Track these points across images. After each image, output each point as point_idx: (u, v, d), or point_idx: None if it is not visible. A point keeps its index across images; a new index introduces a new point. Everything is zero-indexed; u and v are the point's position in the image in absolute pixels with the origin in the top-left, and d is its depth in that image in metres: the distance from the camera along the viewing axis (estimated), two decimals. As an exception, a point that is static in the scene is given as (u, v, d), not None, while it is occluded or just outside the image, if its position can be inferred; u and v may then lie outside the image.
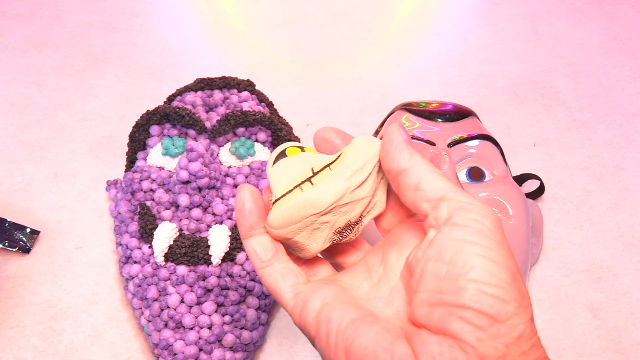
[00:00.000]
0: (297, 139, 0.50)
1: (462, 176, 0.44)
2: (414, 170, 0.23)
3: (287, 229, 0.25)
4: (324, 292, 0.25)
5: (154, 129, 0.47)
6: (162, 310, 0.39)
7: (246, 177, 0.45)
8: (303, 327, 0.25)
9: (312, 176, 0.25)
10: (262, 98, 0.51)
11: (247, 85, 0.51)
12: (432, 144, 0.44)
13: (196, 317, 0.38)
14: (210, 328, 0.38)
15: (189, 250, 0.39)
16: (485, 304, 0.20)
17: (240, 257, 0.40)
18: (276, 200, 0.25)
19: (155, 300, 0.39)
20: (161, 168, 0.45)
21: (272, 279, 0.26)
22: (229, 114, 0.46)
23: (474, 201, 0.22)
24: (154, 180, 0.44)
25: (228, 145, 0.46)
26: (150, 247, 0.41)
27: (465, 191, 0.24)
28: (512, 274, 0.21)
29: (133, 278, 0.41)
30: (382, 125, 0.49)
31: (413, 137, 0.45)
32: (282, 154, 0.27)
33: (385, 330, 0.22)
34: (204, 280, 0.39)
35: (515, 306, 0.20)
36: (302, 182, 0.25)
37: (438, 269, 0.21)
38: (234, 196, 0.43)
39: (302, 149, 0.27)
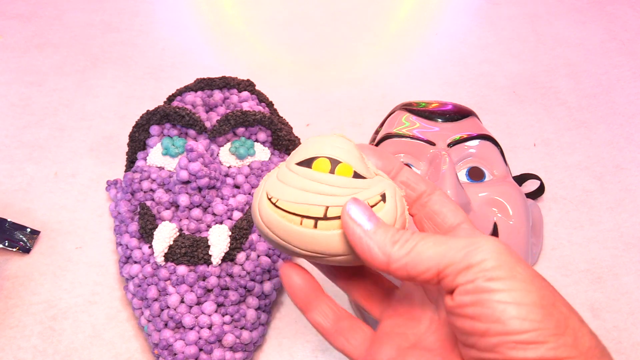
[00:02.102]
0: (297, 139, 0.50)
1: (462, 176, 0.44)
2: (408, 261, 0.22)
3: (273, 235, 0.25)
4: (389, 346, 0.25)
5: (154, 129, 0.47)
6: (162, 310, 0.39)
7: (246, 177, 0.45)
8: None
9: (321, 219, 0.24)
10: (262, 98, 0.51)
11: (247, 85, 0.51)
12: (432, 144, 0.44)
13: (196, 317, 0.38)
14: (210, 328, 0.38)
15: (189, 250, 0.39)
16: (525, 354, 0.19)
17: (240, 257, 0.40)
18: (275, 204, 0.24)
19: (155, 300, 0.39)
20: (161, 168, 0.45)
21: (340, 344, 0.26)
22: (229, 114, 0.46)
23: (471, 253, 0.21)
24: (154, 180, 0.44)
25: (228, 145, 0.46)
26: (150, 247, 0.41)
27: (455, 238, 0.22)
28: (542, 306, 0.20)
29: (133, 278, 0.41)
30: (382, 125, 0.49)
31: (413, 137, 0.45)
32: (309, 163, 0.25)
33: None
34: (204, 280, 0.39)
35: (554, 342, 0.19)
36: (307, 217, 0.24)
37: (470, 328, 0.21)
38: (234, 196, 0.43)
39: (334, 164, 0.24)
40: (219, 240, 0.40)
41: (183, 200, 0.42)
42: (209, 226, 0.42)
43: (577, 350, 0.19)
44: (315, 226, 0.24)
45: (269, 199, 0.25)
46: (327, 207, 0.24)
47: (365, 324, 0.27)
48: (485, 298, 0.20)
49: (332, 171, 0.24)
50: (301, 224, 0.24)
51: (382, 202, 0.24)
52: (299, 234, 0.24)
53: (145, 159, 0.47)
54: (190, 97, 0.49)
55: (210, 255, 0.39)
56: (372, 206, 0.24)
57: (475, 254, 0.21)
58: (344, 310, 0.27)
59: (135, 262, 0.41)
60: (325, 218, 0.24)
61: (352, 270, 0.28)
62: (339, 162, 0.24)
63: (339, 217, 0.24)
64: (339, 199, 0.24)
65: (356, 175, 0.24)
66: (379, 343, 0.25)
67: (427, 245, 0.22)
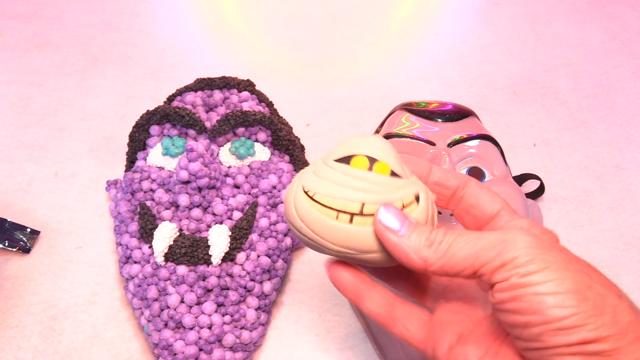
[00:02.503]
0: (297, 139, 0.50)
1: (462, 176, 0.44)
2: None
3: (307, 229, 0.25)
4: (452, 331, 0.26)
5: (154, 129, 0.47)
6: (162, 310, 0.39)
7: (246, 177, 0.45)
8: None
9: (357, 215, 0.24)
10: (262, 98, 0.51)
11: (247, 85, 0.51)
12: (432, 144, 0.44)
13: (196, 317, 0.38)
14: (210, 328, 0.38)
15: (189, 250, 0.39)
16: (567, 339, 0.20)
17: (240, 257, 0.40)
18: (312, 197, 0.25)
19: (155, 300, 0.39)
20: (161, 168, 0.45)
21: (398, 330, 0.27)
22: (229, 114, 0.46)
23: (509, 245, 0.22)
24: (154, 180, 0.44)
25: (228, 145, 0.46)
26: (150, 247, 0.41)
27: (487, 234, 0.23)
28: (578, 290, 0.21)
29: (133, 278, 0.41)
30: (382, 125, 0.49)
31: (413, 137, 0.45)
32: (347, 160, 0.25)
33: None
34: (204, 280, 0.39)
35: (593, 323, 0.20)
36: (343, 212, 0.24)
37: (513, 321, 0.22)
38: (234, 196, 0.43)
39: (372, 162, 0.25)
40: (219, 240, 0.40)
41: (183, 200, 0.42)
42: (209, 226, 0.42)
43: (617, 327, 0.20)
44: (351, 221, 0.24)
45: (306, 193, 0.25)
46: (364, 204, 0.24)
47: (420, 309, 0.27)
48: (522, 293, 0.21)
49: (370, 169, 0.25)
50: (337, 218, 0.24)
51: (415, 203, 0.25)
52: (334, 229, 0.25)
53: (145, 159, 0.47)
54: (190, 97, 0.49)
55: (210, 255, 0.39)
56: (406, 206, 0.25)
57: (507, 252, 0.21)
58: (396, 296, 0.28)
59: (135, 262, 0.41)
60: (361, 214, 0.24)
61: (397, 268, 0.28)
62: (377, 160, 0.25)
63: (370, 215, 0.24)
64: (376, 196, 0.24)
65: (393, 175, 0.25)
66: (439, 330, 0.26)
67: (460, 245, 0.23)
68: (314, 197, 0.25)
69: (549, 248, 0.22)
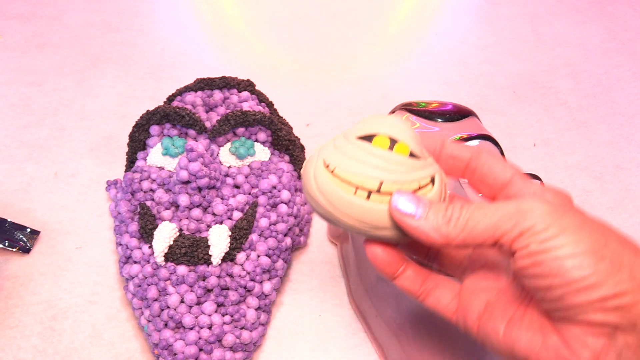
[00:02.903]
0: (297, 139, 0.50)
1: (462, 176, 0.44)
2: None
3: (325, 201, 0.26)
4: (480, 298, 0.27)
5: (154, 129, 0.47)
6: (162, 310, 0.39)
7: (246, 177, 0.45)
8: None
9: (374, 192, 0.25)
10: (262, 98, 0.51)
11: (247, 85, 0.51)
12: (432, 144, 0.44)
13: (196, 317, 0.38)
14: (210, 328, 0.38)
15: (189, 250, 0.39)
16: (589, 298, 0.21)
17: (240, 257, 0.40)
18: (332, 171, 0.26)
19: (155, 300, 0.39)
20: (161, 168, 0.45)
21: (431, 303, 0.28)
22: (229, 114, 0.46)
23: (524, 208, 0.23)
24: (154, 180, 0.44)
25: (228, 145, 0.46)
26: (150, 247, 0.41)
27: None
28: (594, 251, 0.22)
29: (133, 278, 0.41)
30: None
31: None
32: (369, 138, 0.26)
33: (532, 325, 0.24)
34: (204, 280, 0.39)
35: (611, 280, 0.21)
36: (361, 188, 0.25)
37: (536, 285, 0.23)
38: (234, 196, 0.43)
39: (393, 142, 0.26)
40: (219, 240, 0.40)
41: (183, 200, 0.42)
42: (209, 226, 0.42)
43: (635, 282, 0.21)
44: (368, 198, 0.25)
45: (326, 167, 0.26)
46: (382, 181, 0.25)
47: (451, 281, 0.29)
48: (541, 259, 0.22)
49: (390, 148, 0.26)
50: (355, 193, 0.25)
51: (430, 185, 0.26)
52: (351, 204, 0.25)
53: (145, 159, 0.47)
54: (190, 97, 0.49)
55: (210, 255, 0.39)
56: (422, 187, 0.26)
57: (524, 221, 0.23)
58: (428, 271, 0.29)
59: (135, 262, 0.41)
60: (378, 191, 0.25)
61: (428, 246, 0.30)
62: (398, 141, 0.26)
63: (390, 193, 0.25)
64: (394, 175, 0.25)
65: (412, 156, 0.26)
66: (467, 300, 0.27)
67: (479, 218, 0.24)
68: (334, 171, 0.26)
69: (563, 213, 0.23)
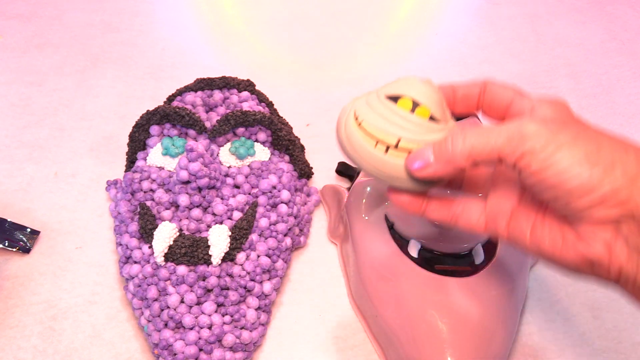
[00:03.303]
0: (297, 139, 0.50)
1: (462, 176, 0.44)
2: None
3: (350, 148, 0.30)
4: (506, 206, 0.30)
5: (154, 129, 0.47)
6: (162, 310, 0.39)
7: (246, 177, 0.45)
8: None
9: (392, 147, 0.29)
10: (262, 98, 0.51)
11: (247, 85, 0.51)
12: (432, 144, 0.44)
13: (196, 317, 0.38)
14: (210, 328, 0.38)
15: (189, 250, 0.39)
16: (591, 200, 0.25)
17: (240, 257, 0.40)
18: (360, 123, 0.30)
19: (155, 300, 0.39)
20: (161, 168, 0.45)
21: (463, 224, 0.32)
22: (229, 114, 0.46)
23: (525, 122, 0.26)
24: (154, 180, 0.44)
25: (228, 145, 0.46)
26: (150, 247, 0.41)
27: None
28: (589, 158, 0.25)
29: (133, 278, 0.41)
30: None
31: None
32: (396, 99, 0.29)
33: (552, 227, 0.28)
34: (204, 280, 0.39)
35: (607, 180, 0.25)
36: (381, 142, 0.29)
37: (542, 196, 0.27)
38: (234, 196, 0.43)
39: (415, 105, 0.29)
40: (219, 240, 0.40)
41: (183, 200, 0.42)
42: (209, 226, 0.42)
43: (628, 177, 0.24)
44: (386, 152, 0.29)
45: (355, 118, 0.30)
46: (400, 138, 0.29)
47: (474, 199, 0.31)
48: (543, 176, 0.25)
49: (412, 110, 0.29)
50: (375, 146, 0.29)
51: None
52: (371, 155, 0.29)
53: (145, 159, 0.47)
54: (190, 97, 0.49)
55: (210, 255, 0.39)
56: None
57: (523, 144, 0.26)
58: (451, 199, 0.32)
59: (135, 262, 0.41)
60: (396, 147, 0.29)
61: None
62: (420, 104, 0.29)
63: (407, 150, 0.29)
64: (412, 134, 0.29)
65: (431, 119, 0.29)
66: (494, 213, 0.30)
67: (482, 142, 0.27)
68: (361, 124, 0.30)
69: (558, 129, 0.26)
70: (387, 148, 0.29)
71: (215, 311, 0.39)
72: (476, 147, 0.27)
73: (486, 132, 0.27)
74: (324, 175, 0.52)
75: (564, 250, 0.27)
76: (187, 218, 0.42)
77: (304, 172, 0.49)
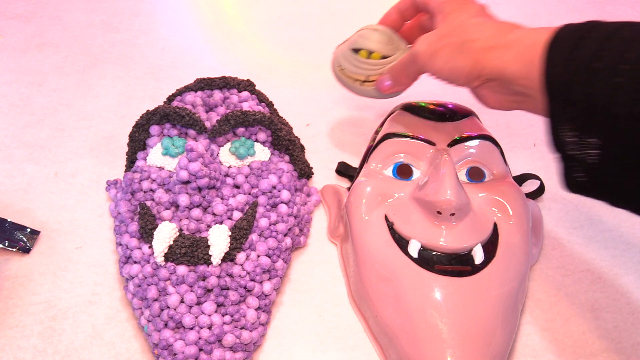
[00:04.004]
0: (297, 139, 0.50)
1: (462, 176, 0.44)
2: None
3: (342, 82, 0.50)
4: None
5: (154, 129, 0.47)
6: (162, 310, 0.39)
7: (246, 177, 0.45)
8: None
9: (365, 81, 0.48)
10: (262, 98, 0.51)
11: (247, 85, 0.51)
12: (432, 144, 0.44)
13: (196, 317, 0.38)
14: (210, 328, 0.38)
15: (189, 250, 0.39)
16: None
17: (240, 257, 0.40)
18: (342, 70, 0.49)
19: (155, 300, 0.39)
20: (161, 168, 0.45)
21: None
22: (229, 114, 0.46)
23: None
24: (154, 180, 0.44)
25: (228, 145, 0.46)
26: (150, 247, 0.41)
27: None
28: (453, 51, 0.38)
29: (133, 278, 0.41)
30: (382, 125, 0.49)
31: (413, 137, 0.45)
32: (356, 51, 0.47)
33: None
34: (204, 280, 0.39)
35: (462, 66, 0.38)
36: (357, 80, 0.48)
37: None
38: (234, 196, 0.43)
39: (369, 53, 0.47)
40: (218, 240, 0.40)
41: (183, 200, 0.42)
42: (209, 226, 0.42)
43: (480, 54, 0.36)
44: (362, 84, 0.48)
45: (339, 66, 0.49)
46: (368, 75, 0.47)
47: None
48: (434, 74, 0.41)
49: (368, 57, 0.47)
50: (354, 82, 0.48)
51: None
52: (353, 87, 0.49)
53: (145, 159, 0.47)
54: (190, 97, 0.49)
55: (210, 255, 0.39)
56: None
57: (415, 63, 0.41)
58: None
59: (135, 262, 0.41)
60: (366, 81, 0.48)
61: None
62: (372, 51, 0.47)
63: (373, 81, 0.47)
64: (373, 71, 0.47)
65: (384, 57, 0.46)
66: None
67: (400, 61, 0.44)
68: (342, 70, 0.49)
69: (436, 39, 0.39)
70: (362, 82, 0.48)
71: (215, 311, 0.39)
72: (399, 67, 0.44)
73: (404, 59, 0.43)
74: (324, 175, 0.52)
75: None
76: (187, 218, 0.42)
77: (304, 172, 0.49)
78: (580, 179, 0.32)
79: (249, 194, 0.44)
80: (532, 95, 0.33)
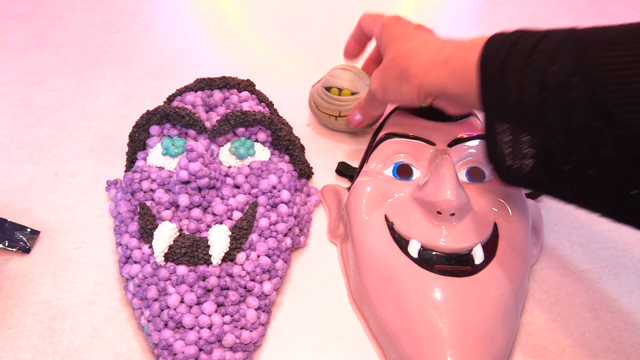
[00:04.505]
0: (297, 139, 0.50)
1: (462, 176, 0.44)
2: None
3: (318, 118, 0.56)
4: None
5: (154, 129, 0.47)
6: (162, 310, 0.39)
7: (246, 177, 0.45)
8: None
9: (338, 116, 0.53)
10: (262, 98, 0.51)
11: (247, 85, 0.51)
12: (432, 143, 0.44)
13: (196, 317, 0.38)
14: (210, 328, 0.38)
15: (189, 250, 0.39)
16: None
17: (240, 257, 0.40)
18: (317, 107, 0.54)
19: (155, 300, 0.39)
20: (161, 168, 0.45)
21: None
22: (229, 114, 0.46)
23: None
24: (154, 180, 0.44)
25: (228, 145, 0.46)
26: (150, 247, 0.41)
27: None
28: (394, 79, 0.41)
29: (133, 278, 0.41)
30: (381, 125, 0.49)
31: (413, 137, 0.45)
32: (328, 89, 0.53)
33: None
34: (204, 280, 0.39)
35: (408, 91, 0.41)
36: (331, 115, 0.54)
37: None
38: (234, 196, 0.43)
39: (340, 91, 0.52)
40: (219, 240, 0.40)
41: (183, 200, 0.42)
42: (209, 226, 0.42)
43: (421, 76, 0.39)
44: (336, 119, 0.53)
45: (314, 103, 0.54)
46: (340, 111, 0.53)
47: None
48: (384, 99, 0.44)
49: (339, 94, 0.52)
50: (329, 118, 0.54)
51: None
52: (327, 121, 0.55)
53: (145, 159, 0.47)
54: (190, 97, 0.49)
55: (210, 255, 0.39)
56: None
57: (373, 95, 0.45)
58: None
59: (135, 262, 0.41)
60: (339, 116, 0.53)
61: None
62: (342, 89, 0.52)
63: (345, 116, 0.52)
64: (345, 107, 0.52)
65: (353, 94, 0.52)
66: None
67: (366, 99, 0.48)
68: (318, 107, 0.54)
69: (382, 73, 0.43)
70: (336, 117, 0.53)
71: (215, 311, 0.39)
72: (364, 103, 0.48)
73: (367, 96, 0.47)
74: (324, 175, 0.52)
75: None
76: (187, 218, 0.42)
77: (304, 172, 0.49)
78: (519, 182, 0.34)
79: (249, 194, 0.44)
80: (478, 106, 0.35)
